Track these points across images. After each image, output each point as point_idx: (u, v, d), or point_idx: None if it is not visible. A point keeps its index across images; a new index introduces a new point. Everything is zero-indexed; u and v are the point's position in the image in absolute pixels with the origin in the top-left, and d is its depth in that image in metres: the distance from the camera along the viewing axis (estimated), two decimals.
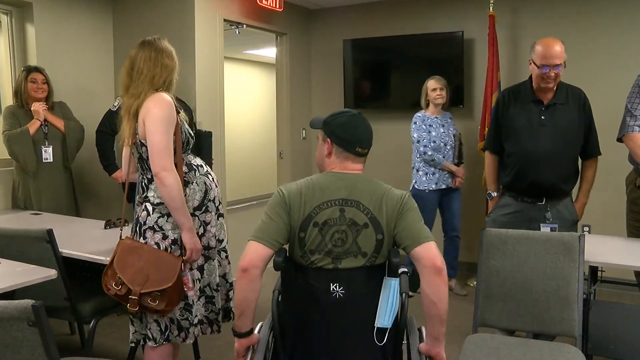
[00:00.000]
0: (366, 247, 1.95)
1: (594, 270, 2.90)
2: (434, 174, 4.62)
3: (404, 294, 1.91)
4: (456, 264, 4.88)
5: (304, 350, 2.02)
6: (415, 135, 4.66)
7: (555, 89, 3.15)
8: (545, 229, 3.10)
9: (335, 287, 1.93)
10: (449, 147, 4.67)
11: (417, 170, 4.70)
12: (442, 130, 4.65)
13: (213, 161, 4.29)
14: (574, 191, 3.33)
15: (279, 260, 1.95)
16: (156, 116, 2.39)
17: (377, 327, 1.92)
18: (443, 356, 1.97)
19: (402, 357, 2.07)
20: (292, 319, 2.02)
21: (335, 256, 1.94)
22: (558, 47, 3.03)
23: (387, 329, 1.91)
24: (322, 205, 1.95)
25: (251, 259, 1.90)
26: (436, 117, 4.69)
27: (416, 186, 4.69)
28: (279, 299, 1.99)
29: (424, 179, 4.64)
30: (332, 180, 2.00)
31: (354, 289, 1.94)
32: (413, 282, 1.97)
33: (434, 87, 4.67)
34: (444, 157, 4.62)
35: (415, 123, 4.68)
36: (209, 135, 4.29)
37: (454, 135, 4.70)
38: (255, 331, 2.02)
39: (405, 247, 1.94)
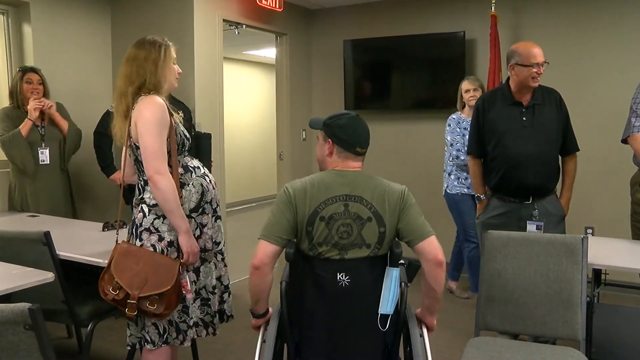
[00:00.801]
0: (370, 239, 2.09)
1: (597, 273, 2.88)
2: (466, 178, 4.45)
3: (402, 283, 2.09)
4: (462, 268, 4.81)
5: (310, 336, 2.15)
6: (448, 138, 4.51)
7: (533, 89, 3.24)
8: (531, 226, 3.20)
9: (342, 276, 2.08)
10: None
11: (449, 174, 4.58)
12: None
13: (212, 163, 4.26)
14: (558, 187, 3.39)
15: (290, 252, 2.10)
16: (147, 119, 2.39)
17: (381, 314, 2.06)
18: (434, 323, 2.25)
19: (399, 342, 2.22)
20: (299, 307, 2.14)
21: (342, 247, 2.08)
22: (539, 47, 3.21)
23: (389, 315, 2.07)
24: (328, 201, 2.09)
25: (261, 258, 2.08)
26: None
27: (448, 190, 4.58)
28: (286, 289, 2.13)
29: (455, 183, 4.53)
30: (335, 178, 2.14)
31: (359, 278, 2.09)
32: (409, 273, 2.20)
33: (467, 89, 4.50)
34: None
35: (449, 125, 4.54)
36: (207, 137, 4.27)
37: None
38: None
39: (408, 242, 2.11)
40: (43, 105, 3.93)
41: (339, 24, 5.89)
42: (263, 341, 2.20)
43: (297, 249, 2.14)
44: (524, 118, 3.21)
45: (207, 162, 4.16)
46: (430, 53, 5.37)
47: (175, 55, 2.58)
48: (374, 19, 5.69)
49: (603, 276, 2.94)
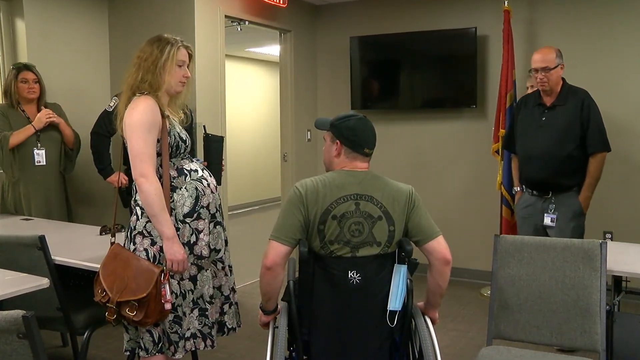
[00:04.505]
0: (380, 238, 2.17)
1: (617, 280, 2.81)
2: None
3: (409, 280, 2.20)
4: None
5: (320, 333, 2.22)
6: None
7: (559, 91, 3.52)
8: (547, 218, 3.53)
9: (353, 274, 2.15)
10: None
11: None
12: None
13: (223, 167, 4.18)
14: None
15: (305, 251, 2.16)
16: (132, 121, 2.38)
17: (390, 310, 2.16)
18: (437, 316, 2.38)
19: (408, 336, 2.30)
20: (309, 304, 2.21)
21: (354, 246, 2.16)
22: (543, 53, 3.49)
23: (397, 311, 2.17)
24: (339, 200, 2.16)
25: (273, 258, 2.16)
26: None
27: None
28: (294, 288, 2.24)
29: None
30: (346, 177, 2.22)
31: (369, 276, 2.16)
32: (409, 270, 2.26)
33: (527, 86, 4.40)
34: None
35: None
36: (218, 139, 4.18)
37: None
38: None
39: (417, 241, 2.22)
40: (54, 120, 3.92)
41: (345, 20, 5.80)
42: (275, 327, 2.27)
43: (308, 247, 2.20)
44: (543, 118, 3.51)
45: (216, 166, 4.10)
46: (441, 50, 5.28)
47: (183, 59, 2.50)
48: (381, 15, 5.60)
49: (624, 283, 2.86)
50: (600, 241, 2.51)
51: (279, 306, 2.34)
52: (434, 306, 2.34)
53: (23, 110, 3.91)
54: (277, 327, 2.22)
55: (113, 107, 3.71)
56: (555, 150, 3.41)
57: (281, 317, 2.23)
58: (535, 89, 4.20)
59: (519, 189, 3.75)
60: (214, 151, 3.97)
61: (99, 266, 2.52)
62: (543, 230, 3.56)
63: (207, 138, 3.99)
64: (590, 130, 3.43)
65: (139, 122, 2.36)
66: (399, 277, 2.17)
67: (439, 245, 2.20)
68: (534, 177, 3.54)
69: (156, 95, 2.43)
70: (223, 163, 4.13)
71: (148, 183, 2.33)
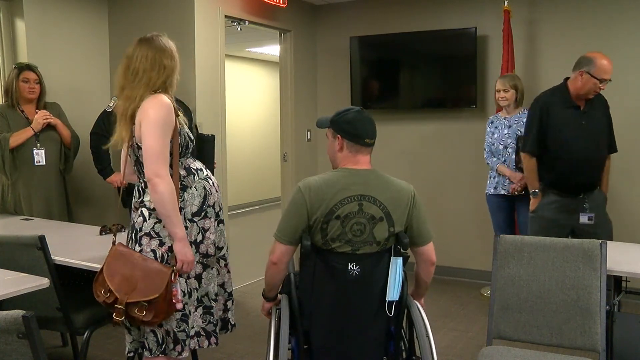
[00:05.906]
0: (380, 238, 2.25)
1: (617, 280, 2.79)
2: (495, 177, 4.51)
3: (404, 272, 2.31)
4: None
5: (320, 322, 2.31)
6: (486, 137, 4.62)
7: None
8: (583, 217, 3.51)
9: (353, 266, 2.23)
10: (510, 150, 4.45)
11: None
12: (506, 131, 4.46)
13: (215, 165, 4.19)
14: None
15: (307, 245, 2.24)
16: (152, 119, 2.34)
17: (388, 300, 2.26)
18: (422, 302, 2.57)
19: (402, 324, 2.44)
20: (309, 294, 2.30)
21: (354, 244, 2.23)
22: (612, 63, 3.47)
23: (395, 301, 2.27)
24: (344, 200, 2.21)
25: (279, 256, 2.29)
26: (505, 118, 4.50)
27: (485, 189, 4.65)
28: (295, 280, 2.36)
29: (488, 182, 4.58)
30: (350, 177, 2.26)
31: (368, 269, 2.25)
32: None
33: (498, 89, 4.48)
34: (504, 160, 4.45)
35: (488, 126, 4.62)
36: (210, 139, 4.18)
37: (518, 137, 4.40)
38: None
39: (412, 242, 2.33)
40: (51, 122, 3.91)
41: (345, 20, 5.80)
42: (277, 319, 2.35)
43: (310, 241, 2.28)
44: (582, 122, 3.49)
45: (209, 165, 4.09)
46: (441, 50, 5.28)
47: None
48: (381, 15, 5.59)
49: (624, 283, 2.85)
50: (600, 241, 2.50)
51: (278, 295, 2.46)
52: (421, 295, 2.56)
53: (22, 111, 3.90)
54: (279, 322, 2.29)
55: (112, 108, 3.71)
56: (598, 153, 3.53)
57: (282, 309, 2.30)
58: (509, 96, 4.36)
59: (538, 190, 3.69)
60: (206, 150, 3.98)
61: (99, 266, 2.50)
62: (571, 230, 3.54)
63: (200, 137, 4.00)
64: (611, 132, 3.61)
65: (157, 120, 2.34)
66: (396, 268, 2.26)
67: (429, 249, 2.38)
68: (583, 181, 3.51)
69: (167, 93, 2.43)
70: (215, 162, 4.14)
71: (164, 183, 2.31)
